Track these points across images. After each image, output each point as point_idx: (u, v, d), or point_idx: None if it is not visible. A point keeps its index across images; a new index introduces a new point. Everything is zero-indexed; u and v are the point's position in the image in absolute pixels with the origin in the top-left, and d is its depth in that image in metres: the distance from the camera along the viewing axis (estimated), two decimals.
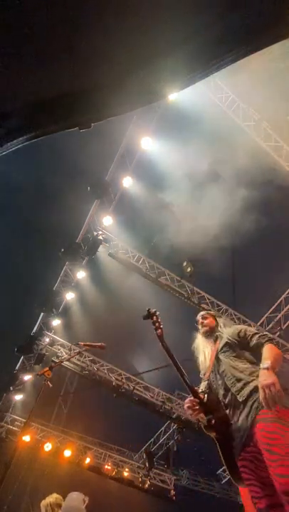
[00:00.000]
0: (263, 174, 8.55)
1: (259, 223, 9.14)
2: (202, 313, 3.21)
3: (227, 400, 2.51)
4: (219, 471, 13.09)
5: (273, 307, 10.34)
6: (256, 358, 2.59)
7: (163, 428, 12.51)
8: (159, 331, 2.80)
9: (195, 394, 2.58)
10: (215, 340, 2.93)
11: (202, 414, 2.54)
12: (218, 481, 13.34)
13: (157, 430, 12.67)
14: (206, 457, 12.86)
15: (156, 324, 2.84)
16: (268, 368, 2.31)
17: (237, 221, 9.40)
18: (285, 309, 10.14)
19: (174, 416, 11.03)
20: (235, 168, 8.92)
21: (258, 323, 10.16)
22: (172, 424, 11.82)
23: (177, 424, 11.34)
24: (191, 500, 12.79)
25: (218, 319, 3.13)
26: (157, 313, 2.92)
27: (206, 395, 2.61)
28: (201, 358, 2.98)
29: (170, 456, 12.12)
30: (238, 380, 2.50)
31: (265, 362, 2.37)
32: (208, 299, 9.75)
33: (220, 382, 2.63)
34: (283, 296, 10.23)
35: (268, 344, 2.56)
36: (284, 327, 10.17)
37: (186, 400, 2.67)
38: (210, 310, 3.23)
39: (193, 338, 3.14)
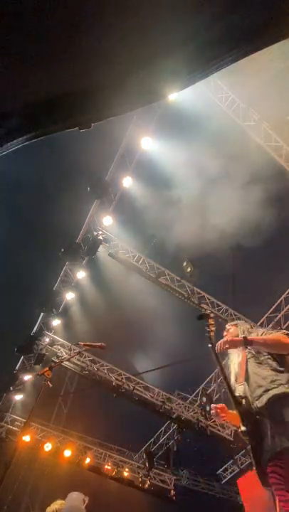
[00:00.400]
0: (263, 174, 8.56)
1: (259, 223, 9.14)
2: (226, 326, 3.28)
3: (254, 406, 2.55)
4: (219, 471, 13.10)
5: (273, 307, 10.34)
6: (283, 366, 2.62)
7: (163, 428, 12.51)
8: (212, 333, 2.82)
9: (235, 399, 2.59)
10: (244, 348, 2.96)
11: (235, 420, 2.60)
12: (218, 481, 13.34)
13: (157, 430, 12.67)
14: (206, 457, 12.87)
15: (210, 327, 2.83)
16: (244, 337, 2.57)
17: (237, 221, 9.40)
18: (285, 309, 10.14)
19: (174, 416, 11.03)
20: (236, 168, 8.93)
21: (258, 323, 10.16)
22: (172, 424, 11.82)
23: (177, 424, 11.35)
24: (191, 500, 12.80)
25: (241, 327, 3.15)
26: (212, 315, 2.93)
27: (243, 400, 2.62)
28: (231, 367, 2.99)
29: (170, 456, 12.12)
30: (259, 386, 2.53)
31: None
32: (208, 299, 9.76)
33: (247, 388, 2.66)
34: (283, 296, 10.22)
35: (275, 333, 2.64)
36: (284, 327, 10.16)
37: (212, 406, 2.74)
38: (235, 320, 3.30)
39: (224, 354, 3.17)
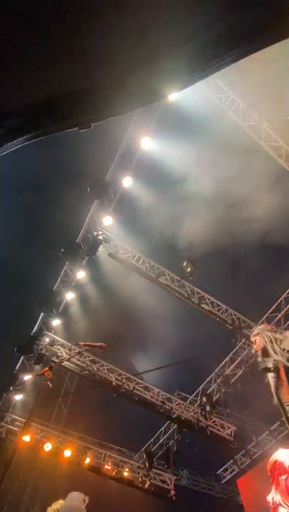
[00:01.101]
0: (263, 174, 8.55)
1: (259, 223, 9.14)
2: (251, 338, 3.19)
3: None
4: (219, 471, 13.09)
5: (273, 307, 10.34)
6: None
7: (163, 428, 12.51)
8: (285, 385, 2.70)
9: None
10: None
11: None
12: (218, 481, 13.34)
13: (157, 430, 12.67)
14: (206, 457, 12.87)
15: (282, 377, 2.71)
16: None
17: (237, 221, 9.40)
18: (285, 309, 10.13)
19: (174, 416, 11.03)
20: (235, 167, 8.92)
21: (258, 323, 10.15)
22: (172, 424, 11.82)
23: (177, 424, 11.35)
24: (191, 500, 12.79)
25: (264, 335, 3.04)
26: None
27: None
28: (270, 381, 2.91)
29: (170, 456, 12.12)
30: None
31: None
32: (208, 299, 9.75)
33: None
34: (283, 296, 10.22)
35: None
36: (284, 327, 10.16)
37: None
38: (255, 329, 3.12)
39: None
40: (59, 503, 4.08)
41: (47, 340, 9.96)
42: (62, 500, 4.08)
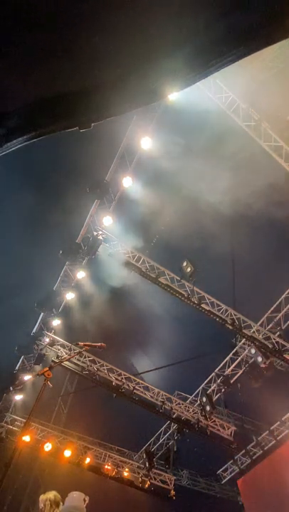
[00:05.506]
0: (263, 174, 8.55)
1: (259, 223, 9.14)
2: None
3: None
4: (219, 471, 13.09)
5: (273, 307, 10.34)
6: None
7: (163, 428, 12.51)
8: None
9: None
10: None
11: None
12: (218, 481, 13.34)
13: (157, 430, 12.67)
14: (206, 457, 12.87)
15: None
16: None
17: (237, 221, 9.41)
18: (285, 309, 10.14)
19: (174, 416, 11.03)
20: (235, 168, 8.93)
21: (258, 323, 10.16)
22: (172, 424, 11.82)
23: (177, 424, 11.35)
24: (191, 500, 12.79)
25: None
26: None
27: None
28: None
29: (170, 456, 12.12)
30: None
31: None
32: (208, 299, 9.75)
33: None
34: (283, 296, 10.22)
35: None
36: (284, 327, 10.17)
37: None
38: None
39: None
40: (52, 493, 4.11)
41: (47, 340, 9.97)
42: (55, 492, 4.11)
